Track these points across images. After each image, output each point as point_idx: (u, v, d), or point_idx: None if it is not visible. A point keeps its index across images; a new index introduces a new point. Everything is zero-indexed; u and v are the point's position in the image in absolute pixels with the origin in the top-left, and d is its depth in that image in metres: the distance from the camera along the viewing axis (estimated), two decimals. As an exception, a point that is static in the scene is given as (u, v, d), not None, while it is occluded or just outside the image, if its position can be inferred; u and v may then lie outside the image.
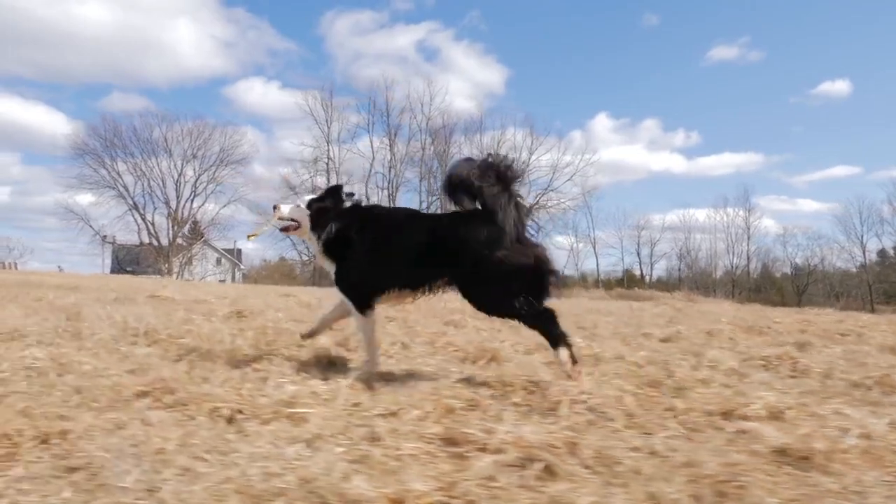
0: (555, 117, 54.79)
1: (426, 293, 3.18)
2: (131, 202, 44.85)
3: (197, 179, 46.03)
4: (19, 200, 56.64)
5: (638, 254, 48.02)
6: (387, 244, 3.17)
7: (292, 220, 3.49)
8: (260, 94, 58.85)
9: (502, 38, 60.15)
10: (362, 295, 3.22)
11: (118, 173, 44.40)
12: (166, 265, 43.13)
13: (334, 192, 3.46)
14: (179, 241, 45.69)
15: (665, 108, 62.10)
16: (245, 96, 59.44)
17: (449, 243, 3.00)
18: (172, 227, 45.51)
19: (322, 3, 68.16)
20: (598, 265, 46.90)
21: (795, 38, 57.60)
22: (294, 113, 58.67)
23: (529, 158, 43.07)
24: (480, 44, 65.94)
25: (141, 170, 44.92)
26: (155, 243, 45.02)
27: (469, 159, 3.14)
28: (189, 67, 61.85)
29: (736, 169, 60.74)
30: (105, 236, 46.21)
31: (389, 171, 43.37)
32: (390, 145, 43.42)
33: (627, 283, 43.18)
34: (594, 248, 46.09)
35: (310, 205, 3.45)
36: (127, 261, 48.07)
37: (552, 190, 43.64)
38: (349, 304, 3.28)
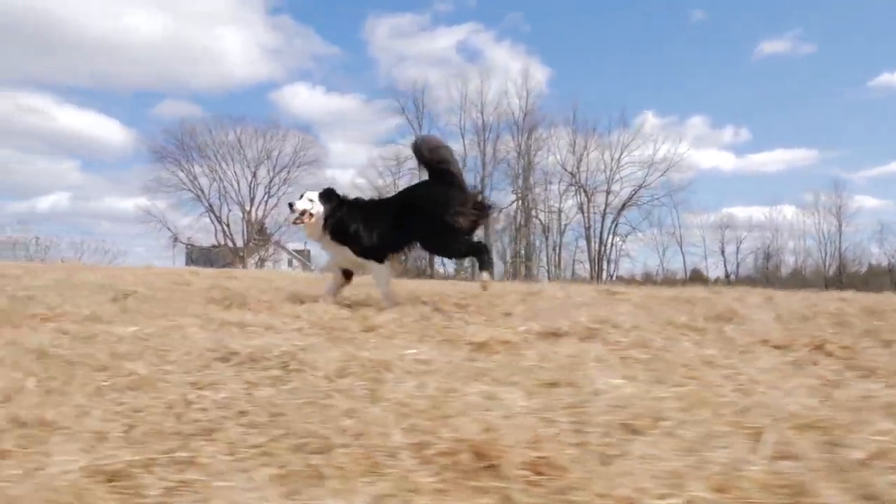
0: (600, 115, 54.02)
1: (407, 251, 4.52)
2: (207, 204, 47.25)
3: (270, 181, 48.07)
4: (78, 205, 59.31)
5: (722, 252, 46.57)
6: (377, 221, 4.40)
7: (307, 212, 4.47)
8: (305, 98, 60.58)
9: (544, 38, 59.25)
10: (379, 253, 4.41)
11: (194, 176, 46.60)
12: (242, 266, 45.25)
13: (331, 192, 4.61)
14: (254, 242, 47.72)
15: (713, 105, 60.46)
16: (291, 101, 60.85)
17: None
18: (246, 228, 47.65)
19: (364, 9, 69.26)
20: (684, 262, 45.57)
21: (850, 29, 54.89)
22: (338, 116, 60.72)
23: (620, 155, 42.75)
24: (522, 44, 65.14)
25: (216, 172, 47.05)
26: (230, 244, 47.26)
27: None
28: (237, 74, 64.29)
29: (788, 165, 58.93)
30: (177, 237, 48.76)
31: (483, 168, 43.59)
32: (481, 144, 43.69)
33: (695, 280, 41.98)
34: (680, 245, 44.89)
35: (324, 197, 4.55)
36: (200, 261, 50.55)
37: (644, 186, 43.08)
38: (371, 263, 4.44)
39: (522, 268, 41.06)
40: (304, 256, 53.42)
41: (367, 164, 46.12)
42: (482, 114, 43.27)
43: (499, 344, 2.70)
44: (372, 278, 4.59)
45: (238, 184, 47.48)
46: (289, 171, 48.01)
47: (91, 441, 1.48)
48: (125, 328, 3.06)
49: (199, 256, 50.81)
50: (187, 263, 49.90)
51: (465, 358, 2.50)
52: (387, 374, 2.12)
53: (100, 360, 2.35)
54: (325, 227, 4.49)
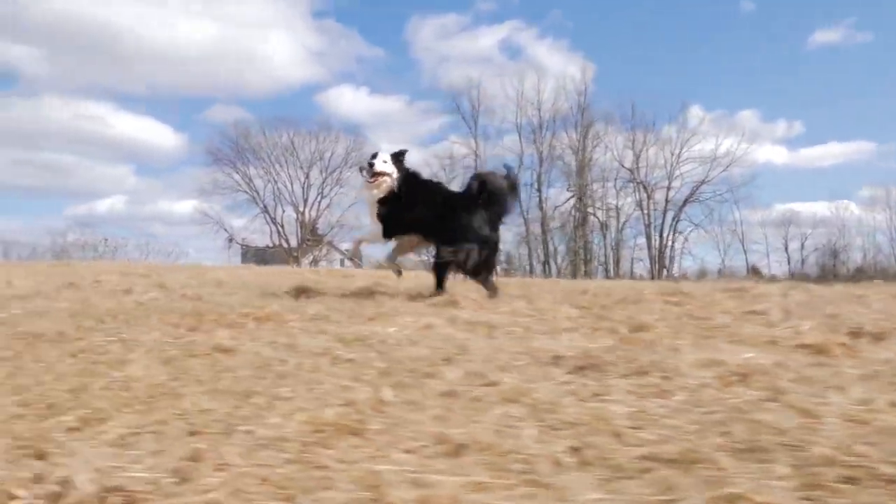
0: (653, 111, 52.26)
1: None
2: (262, 205, 48.05)
3: (323, 182, 48.62)
4: (133, 208, 60.81)
5: (785, 248, 44.79)
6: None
7: (384, 172, 4.61)
8: (349, 100, 60.59)
9: (587, 34, 57.93)
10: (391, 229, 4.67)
11: (249, 178, 47.48)
12: (296, 265, 45.91)
13: (401, 154, 4.74)
14: (307, 243, 48.36)
15: (764, 98, 57.77)
16: (336, 103, 61.00)
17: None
18: (300, 229, 48.31)
19: (407, 10, 70.25)
20: (746, 259, 43.81)
21: (908, 15, 51.18)
22: (382, 117, 60.79)
23: (680, 151, 41.49)
24: (565, 40, 64.25)
25: (270, 174, 47.73)
26: (285, 245, 47.98)
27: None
28: (283, 77, 65.82)
29: (845, 159, 55.85)
30: (232, 238, 49.78)
31: (540, 165, 42.93)
32: (536, 142, 43.00)
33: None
34: (742, 242, 43.22)
35: (396, 159, 4.70)
36: (254, 261, 51.54)
37: (706, 182, 41.53)
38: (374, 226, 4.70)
39: (583, 266, 40.31)
40: (358, 258, 53.75)
41: (420, 162, 45.99)
42: (539, 111, 42.67)
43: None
44: (364, 232, 5.12)
45: (291, 185, 48.32)
46: (341, 172, 48.40)
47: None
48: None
49: (254, 256, 51.77)
50: (243, 263, 51.00)
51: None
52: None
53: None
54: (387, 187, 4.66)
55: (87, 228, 35.58)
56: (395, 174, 4.65)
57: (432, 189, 4.83)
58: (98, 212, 57.52)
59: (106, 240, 38.42)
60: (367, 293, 4.87)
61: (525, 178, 41.92)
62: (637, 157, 41.87)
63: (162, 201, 64.18)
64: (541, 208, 42.07)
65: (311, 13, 66.57)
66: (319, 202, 48.59)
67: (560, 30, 60.41)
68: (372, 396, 1.77)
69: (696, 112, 47.56)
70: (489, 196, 4.44)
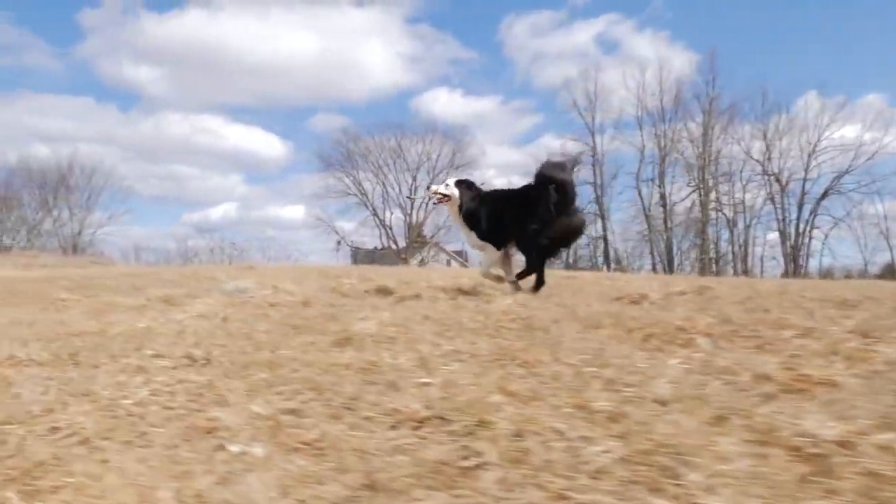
0: (756, 100, 48.29)
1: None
2: (371, 208, 49.42)
3: (430, 183, 49.19)
4: (244, 214, 64.79)
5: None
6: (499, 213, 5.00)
7: (447, 195, 5.17)
8: (444, 102, 61.77)
9: (689, 23, 55.14)
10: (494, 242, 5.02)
11: (359, 182, 49.09)
12: (405, 266, 46.86)
13: (469, 182, 5.28)
14: (415, 244, 49.26)
15: (890, 82, 52.05)
16: (431, 106, 62.77)
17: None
18: (408, 230, 49.29)
19: (501, 10, 69.53)
20: (893, 256, 39.63)
21: None
22: (477, 118, 61.50)
23: (818, 140, 38.53)
24: (665, 31, 64.28)
25: (379, 177, 49.31)
26: (394, 247, 49.14)
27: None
28: (380, 84, 68.41)
29: None
30: (340, 241, 51.49)
31: (662, 161, 41.44)
32: (657, 136, 41.47)
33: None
34: (887, 237, 39.14)
35: (458, 185, 5.22)
36: (364, 263, 53.08)
37: (849, 171, 38.00)
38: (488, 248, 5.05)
39: (712, 265, 38.40)
40: (461, 257, 54.37)
41: (526, 161, 45.69)
42: (661, 102, 41.15)
43: None
44: (483, 263, 5.27)
45: (399, 188, 49.57)
46: (447, 173, 48.82)
47: None
48: None
49: (364, 258, 53.30)
50: (353, 264, 52.66)
51: None
52: None
53: None
54: (459, 211, 5.13)
55: (205, 234, 38.03)
56: (457, 195, 5.18)
57: (506, 195, 5.24)
58: (212, 218, 62.34)
59: (234, 243, 41.17)
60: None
61: (647, 173, 40.92)
62: (768, 148, 39.22)
63: (269, 207, 68.33)
64: (663, 205, 40.65)
65: (405, 20, 70.18)
66: (427, 203, 49.34)
67: (660, 21, 58.96)
68: None
69: (810, 99, 43.90)
70: (555, 186, 4.71)
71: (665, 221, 40.23)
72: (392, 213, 49.86)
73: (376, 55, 60.91)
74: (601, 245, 42.25)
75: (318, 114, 72.89)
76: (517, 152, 48.24)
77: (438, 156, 49.05)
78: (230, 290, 5.66)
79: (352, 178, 48.97)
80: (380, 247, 50.32)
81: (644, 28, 63.62)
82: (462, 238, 5.54)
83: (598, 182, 42.00)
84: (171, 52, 56.84)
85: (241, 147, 63.06)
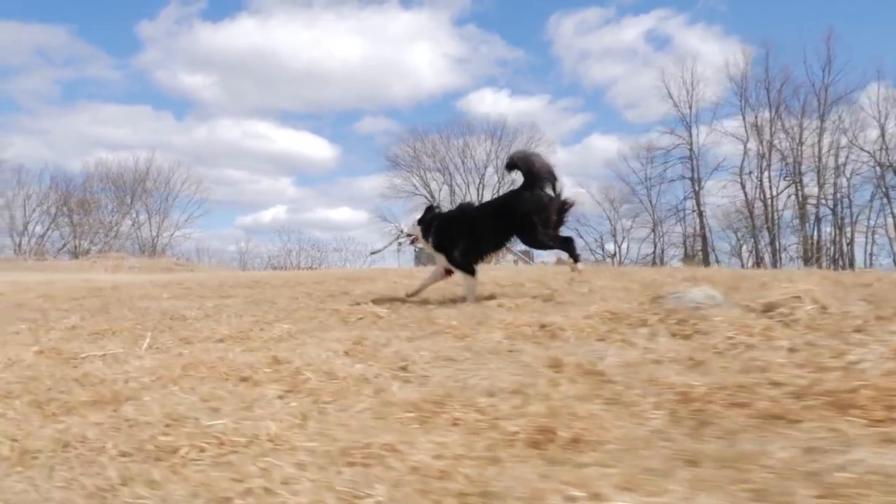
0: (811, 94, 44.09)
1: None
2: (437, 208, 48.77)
3: (499, 182, 48.34)
4: (293, 216, 66.55)
5: None
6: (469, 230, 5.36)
7: (411, 234, 5.79)
8: (490, 103, 60.82)
9: (744, 16, 53.51)
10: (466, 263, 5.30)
11: (426, 182, 48.92)
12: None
13: (429, 209, 5.78)
14: (482, 243, 48.40)
15: None
16: (477, 107, 62.40)
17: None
18: (479, 231, 48.46)
19: (548, 8, 68.08)
20: None
21: None
22: (524, 118, 60.46)
23: None
24: (718, 25, 61.23)
25: (446, 177, 49.11)
26: (459, 245, 48.46)
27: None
28: (427, 86, 68.06)
29: None
30: (402, 241, 50.86)
31: (762, 158, 39.52)
32: (756, 128, 39.34)
33: None
34: None
35: (419, 222, 5.67)
36: (427, 262, 52.63)
37: None
38: (459, 271, 5.34)
39: (820, 259, 35.51)
40: (527, 257, 53.15)
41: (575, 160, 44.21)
42: (768, 90, 38.93)
43: None
44: (464, 288, 5.33)
45: (467, 187, 49.11)
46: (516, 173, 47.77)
47: None
48: None
49: (427, 258, 52.61)
50: (416, 265, 52.21)
51: None
52: None
53: None
54: (427, 239, 5.54)
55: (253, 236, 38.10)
56: (418, 230, 5.61)
57: (470, 212, 5.71)
58: (263, 221, 63.74)
59: (315, 245, 41.83)
60: None
61: (749, 166, 39.15)
62: (883, 135, 35.83)
63: (318, 209, 69.08)
64: (762, 199, 38.61)
65: (452, 21, 69.39)
66: (403, 245, 48.35)
67: (713, 14, 55.99)
68: None
69: (876, 91, 39.93)
70: (528, 175, 5.08)
71: (767, 216, 38.24)
72: (459, 212, 49.05)
73: (423, 57, 61.13)
74: (699, 241, 41.01)
75: (365, 117, 72.77)
76: (565, 151, 47.41)
77: (507, 154, 47.70)
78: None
79: (419, 177, 48.58)
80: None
81: (696, 22, 62.77)
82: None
83: (695, 177, 41.02)
84: (223, 59, 58.21)
85: (290, 151, 63.73)
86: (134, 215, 48.40)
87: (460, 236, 5.27)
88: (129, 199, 47.84)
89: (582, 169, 66.48)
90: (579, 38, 59.52)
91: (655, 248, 42.84)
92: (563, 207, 5.15)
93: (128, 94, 62.49)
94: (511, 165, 5.23)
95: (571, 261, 5.21)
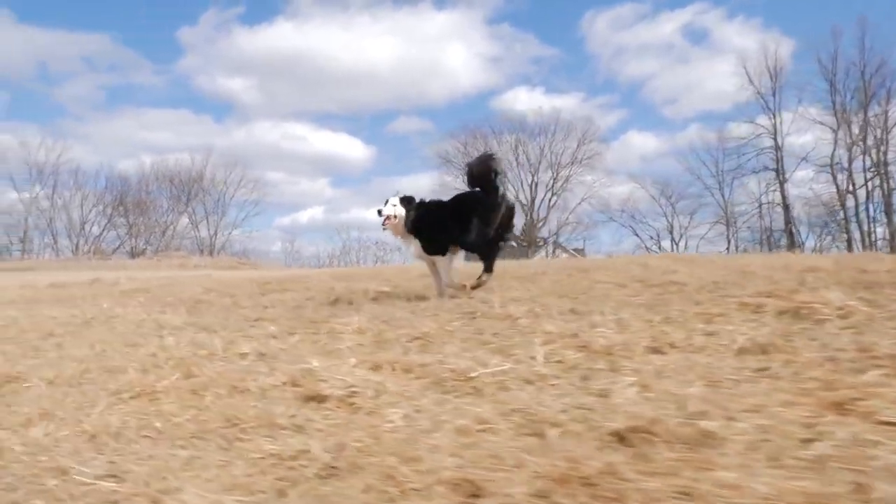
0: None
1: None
2: (490, 206, 48.49)
3: (554, 180, 48.01)
4: (330, 217, 69.24)
5: None
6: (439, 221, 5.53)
7: (395, 216, 5.54)
8: (525, 101, 61.64)
9: (784, 7, 53.88)
10: (442, 248, 5.46)
11: (476, 180, 48.48)
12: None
13: (409, 198, 5.64)
14: (535, 243, 47.93)
15: None
16: (511, 106, 61.88)
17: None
18: (527, 228, 47.99)
19: (582, 5, 70.43)
20: None
21: None
22: (544, 119, 58.62)
23: None
24: (758, 18, 62.99)
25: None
26: (514, 245, 47.97)
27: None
28: (461, 86, 70.92)
29: None
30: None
31: (850, 149, 38.43)
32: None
33: None
34: None
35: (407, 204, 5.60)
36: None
37: None
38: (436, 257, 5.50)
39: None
40: (580, 254, 52.67)
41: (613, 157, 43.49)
42: (863, 76, 37.76)
43: None
44: (442, 276, 5.51)
45: (521, 184, 49.03)
46: (570, 170, 48.34)
47: None
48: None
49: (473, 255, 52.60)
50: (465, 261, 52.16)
51: None
52: None
53: None
54: (405, 226, 5.54)
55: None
56: (403, 213, 5.49)
57: (443, 204, 5.70)
58: (300, 222, 66.75)
59: (377, 243, 43.87)
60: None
61: (839, 156, 38.14)
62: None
63: (354, 209, 70.17)
64: (851, 190, 37.80)
65: (485, 21, 71.00)
66: (550, 199, 48.71)
67: (752, 7, 57.63)
68: None
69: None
70: (476, 180, 5.42)
71: (856, 207, 37.71)
72: (514, 211, 48.87)
73: (457, 57, 62.39)
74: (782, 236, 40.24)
75: (400, 117, 74.94)
76: (585, 150, 47.43)
77: (563, 152, 48.15)
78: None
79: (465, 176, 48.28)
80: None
81: (734, 15, 63.34)
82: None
83: (780, 168, 40.20)
84: (261, 63, 60.50)
85: (327, 152, 66.08)
86: (191, 212, 50.20)
87: (442, 224, 5.47)
88: (186, 199, 49.54)
89: (621, 166, 66.49)
90: (614, 34, 60.49)
91: (729, 244, 41.82)
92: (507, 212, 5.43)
93: (169, 99, 68.19)
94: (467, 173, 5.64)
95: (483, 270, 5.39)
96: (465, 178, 5.59)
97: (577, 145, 47.40)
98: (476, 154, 6.16)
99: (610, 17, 66.91)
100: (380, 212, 5.53)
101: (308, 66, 60.80)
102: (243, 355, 3.36)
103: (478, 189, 5.40)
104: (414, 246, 5.60)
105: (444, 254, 5.47)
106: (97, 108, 64.87)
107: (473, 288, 5.31)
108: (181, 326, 4.75)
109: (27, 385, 3.10)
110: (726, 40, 53.44)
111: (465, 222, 5.25)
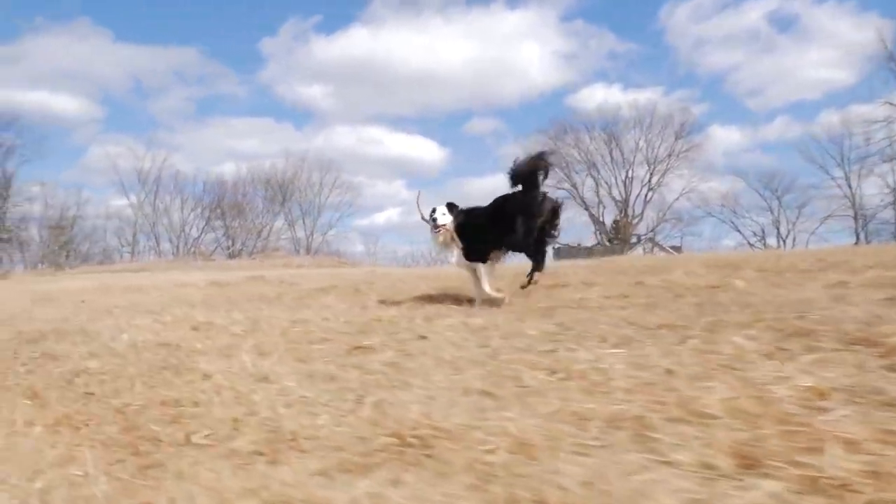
0: None
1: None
2: (582, 202, 47.91)
3: (650, 175, 46.97)
4: (405, 219, 67.93)
5: None
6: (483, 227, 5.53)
7: (444, 224, 5.60)
8: (601, 98, 61.22)
9: None
10: (483, 255, 5.52)
11: (570, 175, 48.27)
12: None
13: (452, 205, 5.71)
14: (631, 241, 46.76)
15: None
16: (587, 103, 59.78)
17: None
18: (619, 227, 46.98)
19: None
20: None
21: None
22: (639, 112, 55.19)
23: None
24: (851, 2, 58.99)
25: (590, 171, 48.49)
26: (607, 244, 46.87)
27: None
28: (536, 85, 69.78)
29: None
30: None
31: None
32: None
33: None
34: None
35: (451, 211, 5.69)
36: (567, 258, 51.73)
37: None
38: (476, 263, 5.54)
39: None
40: (677, 252, 51.09)
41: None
42: None
43: None
44: (482, 282, 5.48)
45: (614, 180, 48.42)
46: (666, 164, 46.98)
47: None
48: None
49: (566, 253, 52.01)
50: (555, 258, 51.68)
51: None
52: None
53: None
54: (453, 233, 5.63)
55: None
56: (450, 220, 5.62)
57: (484, 210, 5.63)
58: (377, 223, 69.66)
59: None
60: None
61: None
62: None
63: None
64: None
65: (559, 18, 70.83)
66: (646, 195, 46.98)
67: None
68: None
69: None
70: (522, 183, 5.36)
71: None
72: (605, 208, 48.97)
73: (531, 56, 62.49)
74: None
75: (474, 118, 73.84)
76: (682, 143, 46.69)
77: (660, 145, 46.94)
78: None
79: (564, 172, 47.44)
80: (586, 243, 48.29)
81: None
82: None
83: None
84: (338, 69, 62.06)
85: (402, 154, 67.20)
86: (287, 213, 51.34)
87: (485, 229, 5.54)
88: (281, 201, 50.64)
89: (703, 162, 62.92)
90: (695, 24, 59.26)
91: (858, 238, 38.88)
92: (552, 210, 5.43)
93: (253, 108, 68.97)
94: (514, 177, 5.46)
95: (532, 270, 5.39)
96: (510, 177, 5.39)
97: (675, 138, 46.28)
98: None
99: (690, 6, 63.48)
100: (435, 220, 5.59)
101: (382, 71, 62.47)
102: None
103: (519, 188, 5.36)
104: (455, 253, 5.62)
105: (485, 261, 5.50)
106: (188, 118, 68.58)
107: (523, 287, 5.40)
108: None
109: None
110: (818, 26, 52.12)
111: (509, 223, 5.23)
